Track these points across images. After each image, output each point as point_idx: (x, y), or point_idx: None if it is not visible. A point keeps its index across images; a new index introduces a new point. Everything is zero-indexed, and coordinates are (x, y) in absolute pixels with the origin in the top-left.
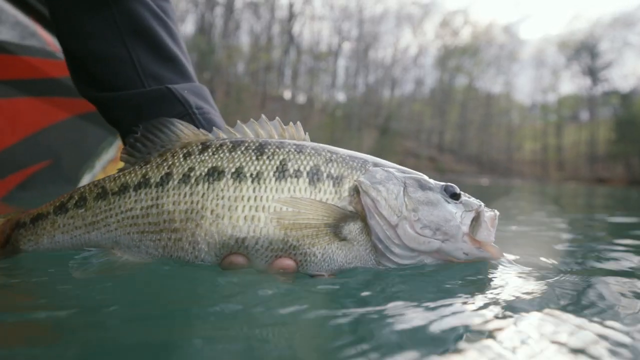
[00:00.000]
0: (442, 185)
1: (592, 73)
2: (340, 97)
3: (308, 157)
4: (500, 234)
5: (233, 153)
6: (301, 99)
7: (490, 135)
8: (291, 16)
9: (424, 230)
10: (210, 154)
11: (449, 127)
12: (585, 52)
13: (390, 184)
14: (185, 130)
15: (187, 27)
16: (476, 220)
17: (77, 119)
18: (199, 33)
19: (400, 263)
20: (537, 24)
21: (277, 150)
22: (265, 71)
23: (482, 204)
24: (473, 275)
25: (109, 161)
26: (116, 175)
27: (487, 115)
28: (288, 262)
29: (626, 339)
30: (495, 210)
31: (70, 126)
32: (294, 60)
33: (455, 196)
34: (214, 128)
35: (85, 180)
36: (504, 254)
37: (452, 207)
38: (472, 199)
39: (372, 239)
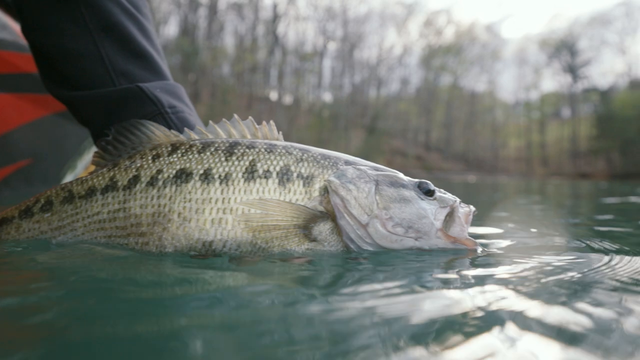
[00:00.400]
0: (416, 182)
1: (572, 70)
2: (327, 97)
3: (278, 157)
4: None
5: (202, 154)
6: (288, 99)
7: (476, 134)
8: (275, 17)
9: (396, 228)
10: (179, 155)
11: (435, 126)
12: (565, 50)
13: (362, 182)
14: (156, 132)
15: (170, 29)
16: (450, 216)
17: (56, 116)
18: (182, 35)
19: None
20: (518, 23)
21: (247, 150)
22: (250, 72)
23: (458, 199)
24: (449, 268)
25: (91, 161)
26: (84, 179)
27: (472, 114)
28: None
29: (607, 322)
30: (471, 206)
31: (50, 124)
32: (279, 61)
33: (429, 193)
34: (185, 129)
35: (67, 180)
36: (480, 246)
37: (425, 204)
38: (448, 195)
39: (344, 239)
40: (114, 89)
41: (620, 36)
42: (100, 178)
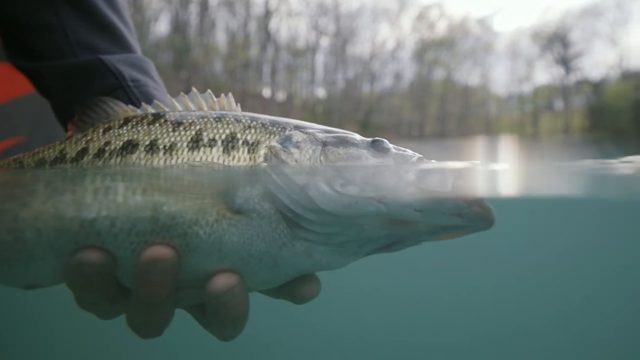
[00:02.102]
0: (369, 140)
1: (565, 62)
2: (320, 93)
3: (225, 125)
4: None
5: (151, 126)
6: (281, 95)
7: (470, 127)
8: (267, 13)
9: (347, 187)
10: (130, 127)
11: (429, 120)
12: (557, 42)
13: (307, 145)
14: (115, 108)
15: (161, 26)
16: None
17: None
18: (174, 32)
19: (326, 232)
20: (510, 16)
21: (196, 120)
22: (243, 69)
23: (418, 155)
24: None
25: None
26: (36, 151)
27: (465, 107)
28: (161, 251)
29: None
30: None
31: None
32: (272, 57)
33: (383, 150)
34: (142, 104)
35: None
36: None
37: (378, 162)
38: (408, 152)
39: (279, 208)
40: (75, 60)
41: (612, 27)
42: (50, 150)
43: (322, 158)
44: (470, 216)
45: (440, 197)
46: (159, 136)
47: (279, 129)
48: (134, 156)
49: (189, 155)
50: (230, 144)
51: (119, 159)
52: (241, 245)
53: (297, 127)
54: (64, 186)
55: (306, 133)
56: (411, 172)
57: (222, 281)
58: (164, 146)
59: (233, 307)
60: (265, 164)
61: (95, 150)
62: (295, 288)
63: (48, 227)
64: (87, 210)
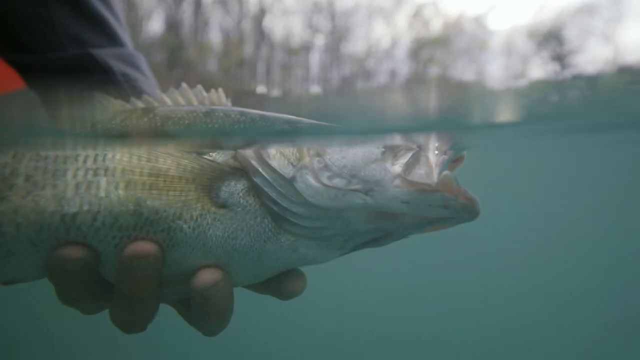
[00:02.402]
0: None
1: (560, 59)
2: (315, 90)
3: (215, 120)
4: None
5: (140, 120)
6: (275, 93)
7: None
8: (261, 11)
9: (334, 180)
10: (118, 122)
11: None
12: (553, 40)
13: None
14: (104, 102)
15: (154, 25)
16: (415, 157)
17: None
18: (167, 30)
19: (313, 226)
20: (505, 15)
21: (185, 115)
22: (237, 67)
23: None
24: None
25: None
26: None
27: (460, 103)
28: (144, 246)
29: None
30: (462, 152)
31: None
32: (266, 55)
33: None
34: (131, 98)
35: None
36: (474, 200)
37: (378, 146)
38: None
39: (264, 201)
40: (64, 54)
41: (607, 24)
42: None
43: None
44: (456, 208)
45: (427, 189)
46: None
47: (268, 125)
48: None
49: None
50: None
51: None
52: (225, 239)
53: (287, 123)
54: (44, 180)
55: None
56: (400, 164)
57: (207, 276)
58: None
59: (218, 302)
60: (235, 152)
61: None
62: (281, 284)
63: (28, 221)
64: (68, 205)
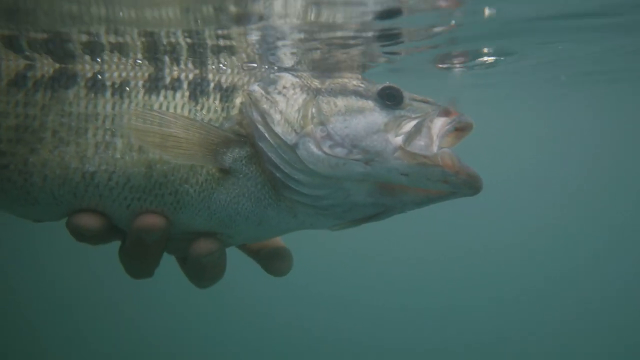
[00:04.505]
0: (378, 88)
1: None
2: None
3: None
4: None
5: (95, 53)
6: None
7: None
8: None
9: (336, 149)
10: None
11: None
12: None
13: (295, 91)
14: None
15: None
16: (418, 127)
17: None
18: None
19: (313, 195)
20: None
21: None
22: None
23: (440, 107)
24: None
25: None
26: None
27: None
28: (152, 219)
29: None
30: (465, 116)
31: None
32: None
33: (393, 98)
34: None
35: None
36: (475, 175)
37: (384, 115)
38: (427, 104)
39: (267, 166)
40: None
41: None
42: None
43: (314, 110)
44: (457, 183)
45: (427, 163)
46: (104, 68)
47: (263, 71)
48: (70, 93)
49: (145, 100)
50: (198, 88)
51: (47, 94)
52: (228, 203)
53: (285, 69)
54: (69, 137)
55: (297, 76)
56: (402, 134)
57: (204, 246)
58: (112, 84)
59: (212, 268)
60: (242, 118)
61: (12, 76)
62: (270, 263)
63: (54, 174)
64: (89, 163)
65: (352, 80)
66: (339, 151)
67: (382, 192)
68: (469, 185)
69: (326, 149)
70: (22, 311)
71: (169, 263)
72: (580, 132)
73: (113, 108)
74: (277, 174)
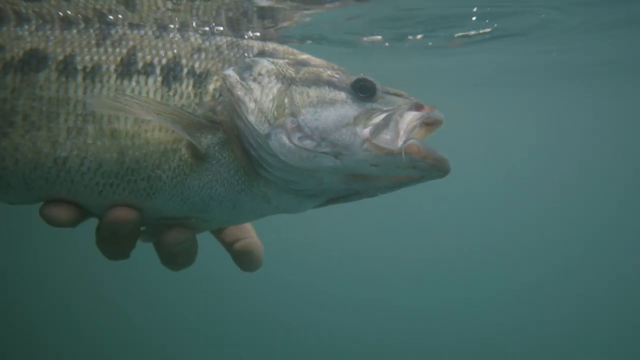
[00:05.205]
0: (352, 79)
1: None
2: None
3: (169, 45)
4: None
5: (66, 33)
6: None
7: None
8: None
9: (305, 141)
10: (32, 29)
11: None
12: None
13: (271, 79)
14: None
15: None
16: (388, 119)
17: None
18: None
19: (285, 179)
20: None
21: (129, 34)
22: None
23: (413, 100)
24: None
25: None
26: None
27: None
28: (123, 213)
29: None
30: (433, 111)
31: None
32: None
33: (366, 90)
34: None
35: None
36: (444, 160)
37: (354, 108)
38: (400, 97)
39: (243, 144)
40: None
41: None
42: None
43: (286, 100)
44: (425, 167)
45: (394, 152)
46: (76, 51)
47: (237, 55)
48: (41, 77)
49: (117, 85)
50: (172, 73)
51: (17, 77)
52: (201, 188)
53: (262, 54)
54: (40, 121)
55: (273, 63)
56: (370, 126)
57: (176, 235)
58: (84, 67)
59: (183, 256)
60: (215, 104)
61: None
62: (241, 259)
63: (25, 159)
64: (60, 149)
65: (327, 70)
66: (308, 143)
67: (355, 180)
68: (436, 168)
69: (295, 141)
70: (21, 310)
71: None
72: (569, 128)
73: (85, 93)
74: (253, 153)
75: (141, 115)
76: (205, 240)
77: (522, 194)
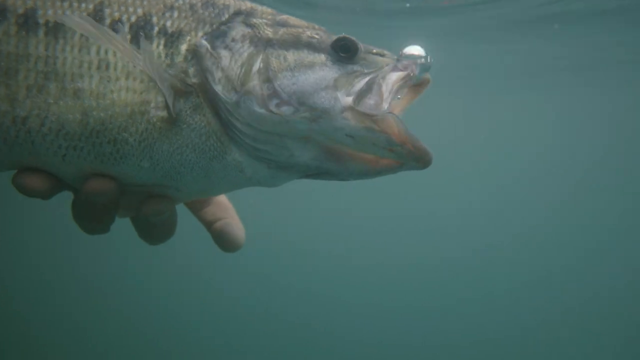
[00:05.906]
0: (333, 39)
1: None
2: None
3: (139, 2)
4: None
5: None
6: None
7: None
8: None
9: (282, 107)
10: None
11: None
12: None
13: (242, 45)
14: None
15: None
16: (371, 84)
17: None
18: None
19: (255, 147)
20: None
21: None
22: None
23: (395, 59)
24: None
25: None
26: None
27: None
28: (100, 183)
29: None
30: (426, 74)
31: None
32: None
33: (347, 50)
34: None
35: None
36: (422, 147)
37: (334, 71)
38: (384, 57)
39: (215, 109)
40: None
41: None
42: None
43: (261, 65)
44: (402, 154)
45: (374, 128)
46: (38, 5)
47: (213, 15)
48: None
49: (82, 42)
50: (141, 32)
51: None
52: (171, 154)
53: (238, 14)
54: None
55: (249, 25)
56: (353, 93)
57: (154, 205)
58: (46, 22)
59: (162, 227)
60: (187, 66)
61: None
62: (221, 238)
63: None
64: (19, 107)
65: (306, 31)
66: (286, 109)
67: (328, 157)
68: (415, 158)
69: (272, 107)
70: (19, 309)
71: (167, 263)
72: (575, 127)
73: (46, 49)
74: (222, 115)
75: (117, 49)
76: (206, 240)
77: (527, 194)
